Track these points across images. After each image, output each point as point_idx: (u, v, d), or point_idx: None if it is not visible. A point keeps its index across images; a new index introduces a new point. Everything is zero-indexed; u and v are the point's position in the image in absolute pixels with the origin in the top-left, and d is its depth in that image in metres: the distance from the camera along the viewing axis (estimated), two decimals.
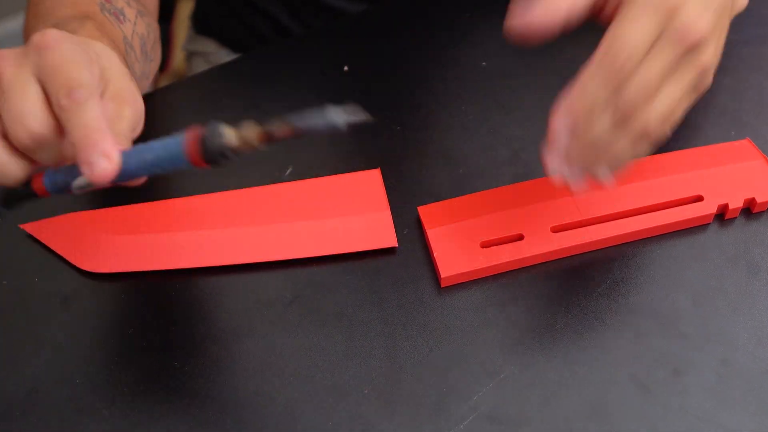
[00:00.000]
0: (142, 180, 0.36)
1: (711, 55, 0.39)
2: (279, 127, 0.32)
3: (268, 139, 0.33)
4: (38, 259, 0.48)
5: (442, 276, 0.45)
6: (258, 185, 0.51)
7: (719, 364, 0.41)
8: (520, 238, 0.46)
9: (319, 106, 0.32)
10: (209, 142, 0.33)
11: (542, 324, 0.44)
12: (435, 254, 0.46)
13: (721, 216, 0.48)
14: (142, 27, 0.50)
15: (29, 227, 0.49)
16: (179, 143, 0.33)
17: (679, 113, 0.39)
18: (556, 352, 0.42)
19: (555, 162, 0.39)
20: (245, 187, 0.51)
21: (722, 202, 0.47)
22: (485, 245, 0.46)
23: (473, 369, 0.42)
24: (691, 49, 0.37)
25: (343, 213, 0.49)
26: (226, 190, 0.51)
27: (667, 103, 0.38)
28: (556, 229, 0.47)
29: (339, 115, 0.32)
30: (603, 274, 0.46)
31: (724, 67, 0.57)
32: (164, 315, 0.45)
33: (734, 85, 0.56)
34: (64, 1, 0.47)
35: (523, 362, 0.42)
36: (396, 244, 0.47)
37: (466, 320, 0.44)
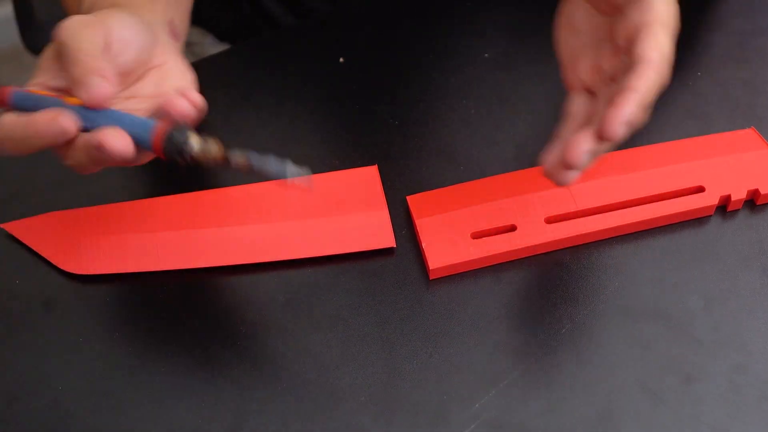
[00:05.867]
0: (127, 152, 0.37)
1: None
2: (239, 158, 0.37)
3: (225, 162, 0.37)
4: (19, 260, 0.47)
5: (431, 268, 0.44)
6: (249, 183, 0.50)
7: (733, 371, 0.40)
8: (513, 229, 0.46)
9: (280, 157, 0.37)
10: (172, 139, 0.36)
11: (547, 328, 0.43)
12: (424, 245, 0.45)
13: (724, 208, 0.47)
14: None
15: (10, 227, 0.48)
16: (149, 127, 0.37)
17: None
18: (561, 358, 0.41)
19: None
20: (235, 184, 0.50)
21: (724, 193, 0.47)
22: (476, 236, 0.46)
23: (475, 375, 0.41)
24: None
25: (339, 212, 0.48)
26: (216, 187, 0.50)
27: None
28: (550, 220, 0.46)
29: (293, 172, 0.36)
30: (610, 276, 0.45)
31: (737, 59, 0.56)
32: (150, 319, 0.45)
33: (748, 77, 0.55)
34: None
35: (526, 368, 0.41)
36: (394, 245, 0.46)
37: (467, 324, 0.43)
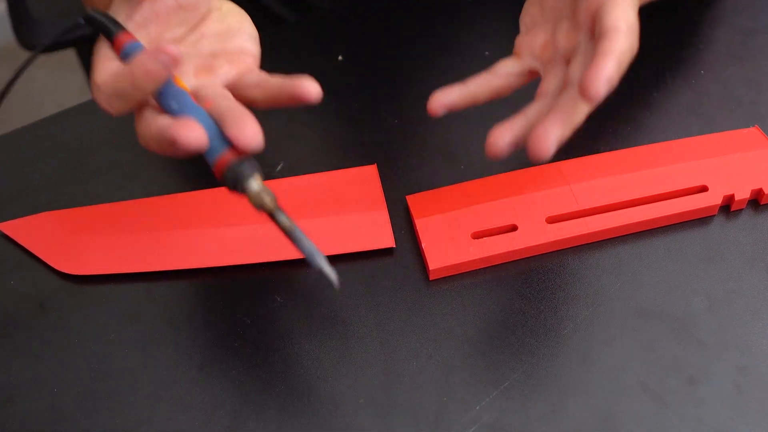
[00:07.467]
0: None
1: None
2: (283, 222, 0.36)
3: (269, 217, 0.36)
4: (14, 261, 0.47)
5: (431, 268, 0.44)
6: None
7: (737, 373, 0.40)
8: (514, 228, 0.46)
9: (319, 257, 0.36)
10: (235, 171, 0.35)
11: (548, 329, 0.42)
12: (423, 245, 0.45)
13: (727, 208, 0.47)
14: None
15: (5, 226, 0.48)
16: (217, 152, 0.36)
17: None
18: (563, 359, 0.41)
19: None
20: None
21: (728, 192, 0.46)
22: (477, 236, 0.45)
23: (475, 377, 0.40)
24: None
25: (337, 212, 0.47)
26: (213, 187, 0.49)
27: None
28: (551, 220, 0.46)
29: (323, 263, 0.36)
30: (612, 277, 0.44)
31: (740, 57, 0.55)
32: (147, 320, 0.44)
33: (750, 75, 0.55)
34: None
35: (528, 370, 0.40)
36: (393, 245, 0.46)
37: (467, 325, 0.43)
